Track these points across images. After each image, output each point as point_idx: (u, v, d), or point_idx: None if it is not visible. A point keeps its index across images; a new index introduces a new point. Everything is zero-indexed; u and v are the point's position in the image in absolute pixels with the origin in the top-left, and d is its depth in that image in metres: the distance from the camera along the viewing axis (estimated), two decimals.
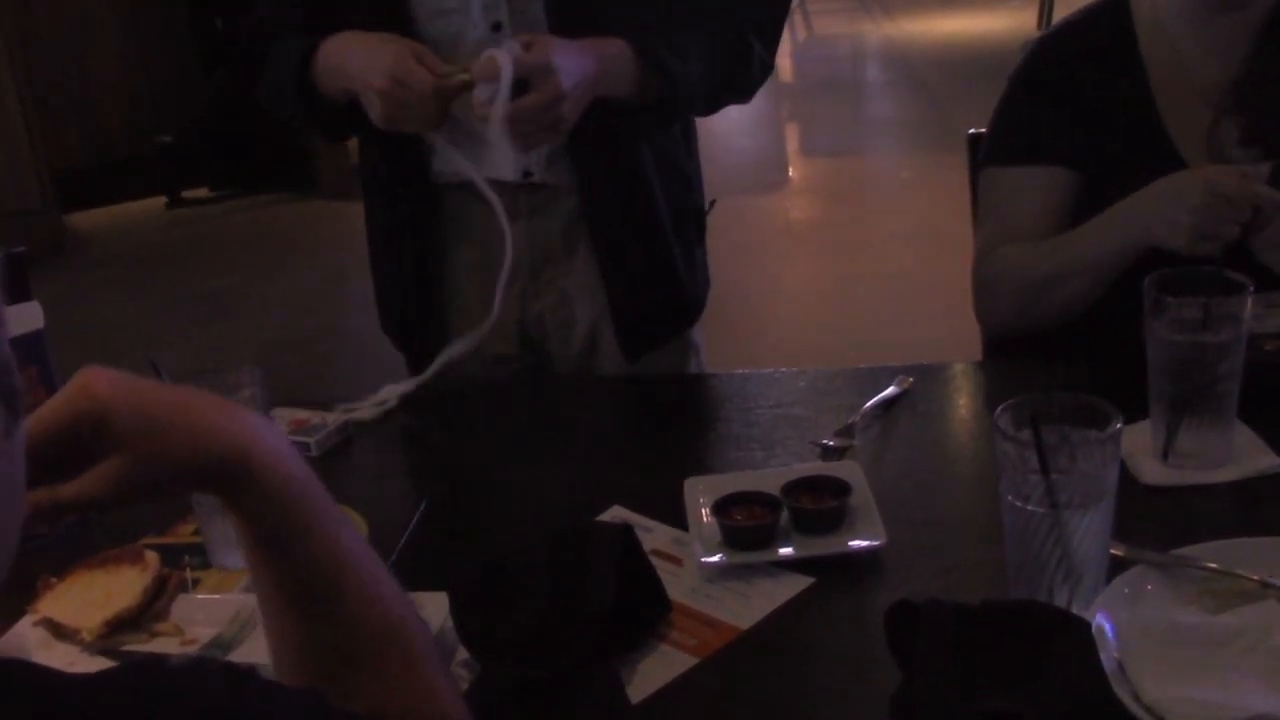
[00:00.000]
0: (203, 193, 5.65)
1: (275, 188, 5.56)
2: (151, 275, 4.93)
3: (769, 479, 1.42)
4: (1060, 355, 1.67)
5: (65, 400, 0.85)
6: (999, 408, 1.18)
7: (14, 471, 0.74)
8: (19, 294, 1.70)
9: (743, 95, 1.79)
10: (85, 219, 5.37)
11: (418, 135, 1.69)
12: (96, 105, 5.45)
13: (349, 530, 0.92)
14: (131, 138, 5.47)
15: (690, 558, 1.35)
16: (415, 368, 1.87)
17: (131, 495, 0.86)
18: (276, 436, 0.90)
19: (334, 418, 1.69)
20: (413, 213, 1.77)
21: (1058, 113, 1.75)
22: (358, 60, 1.61)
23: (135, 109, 5.49)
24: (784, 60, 7.64)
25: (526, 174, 1.75)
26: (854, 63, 7.73)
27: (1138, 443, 1.43)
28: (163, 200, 5.53)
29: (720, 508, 1.37)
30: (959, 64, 6.56)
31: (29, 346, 1.45)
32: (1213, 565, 1.20)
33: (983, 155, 1.84)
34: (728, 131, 5.96)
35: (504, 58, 1.52)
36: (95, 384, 0.86)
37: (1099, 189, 1.74)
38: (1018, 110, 1.81)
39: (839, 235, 4.98)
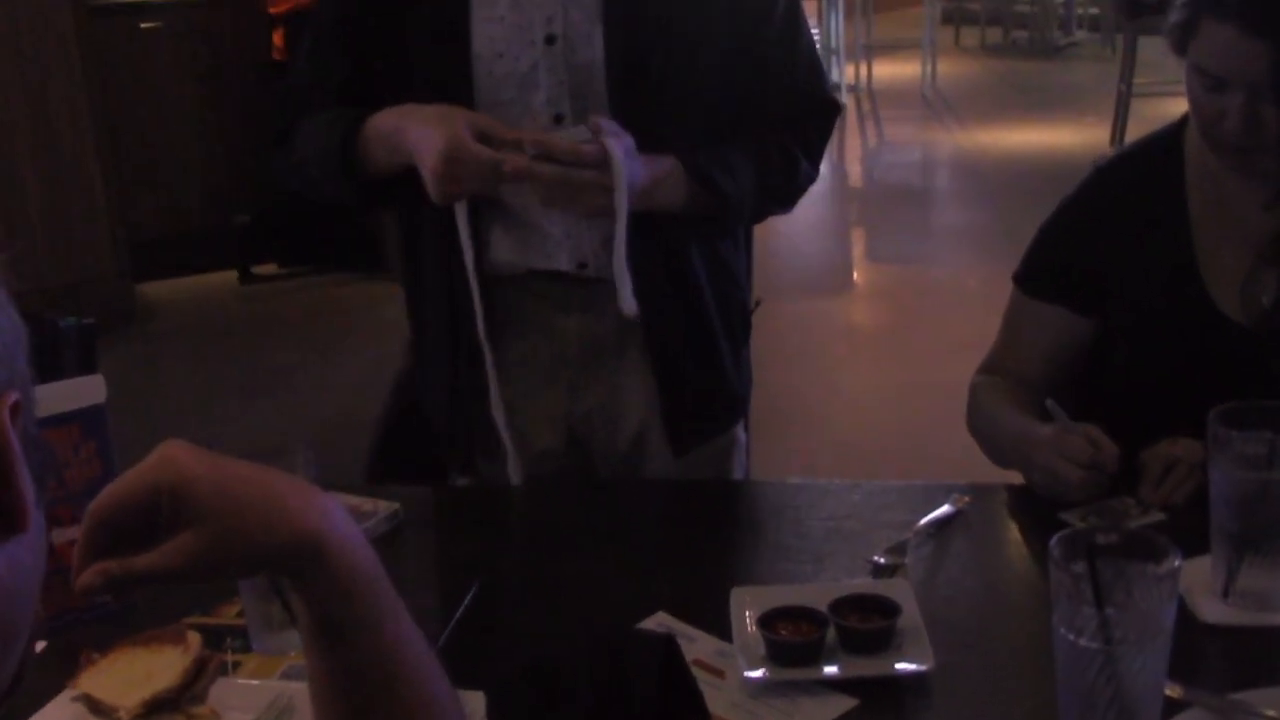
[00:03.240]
0: (272, 269, 5.74)
1: (343, 267, 5.63)
2: (218, 348, 5.00)
3: (817, 594, 1.40)
4: (1123, 485, 1.64)
5: (146, 471, 0.86)
6: (1054, 537, 1.16)
7: (38, 540, 0.74)
8: (85, 366, 1.73)
9: (787, 206, 1.85)
10: (157, 289, 5.46)
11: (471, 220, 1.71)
12: (174, 181, 5.57)
13: (407, 623, 0.92)
14: (207, 214, 5.57)
15: (733, 670, 1.33)
16: (459, 460, 1.87)
17: (203, 571, 0.87)
18: (348, 523, 0.90)
19: (385, 505, 1.69)
20: (464, 309, 1.77)
21: (1091, 252, 1.77)
22: (414, 135, 1.62)
23: (212, 186, 5.60)
24: (854, 165, 7.68)
25: (581, 265, 1.76)
26: (924, 170, 7.75)
27: (1197, 579, 1.40)
28: (234, 274, 5.62)
29: (766, 621, 1.35)
30: (1029, 177, 6.55)
31: (89, 420, 1.46)
32: (1271, 713, 1.17)
33: (1016, 271, 1.86)
34: (794, 233, 5.98)
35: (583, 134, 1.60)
36: (177, 457, 0.86)
37: (1125, 328, 1.75)
38: (1054, 242, 1.83)
39: (901, 343, 4.96)
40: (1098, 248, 1.77)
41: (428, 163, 1.59)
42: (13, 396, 0.71)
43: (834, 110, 1.85)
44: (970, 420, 1.84)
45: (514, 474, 1.81)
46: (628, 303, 1.67)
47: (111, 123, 5.09)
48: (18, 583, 0.73)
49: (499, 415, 1.78)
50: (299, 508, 0.87)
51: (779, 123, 1.78)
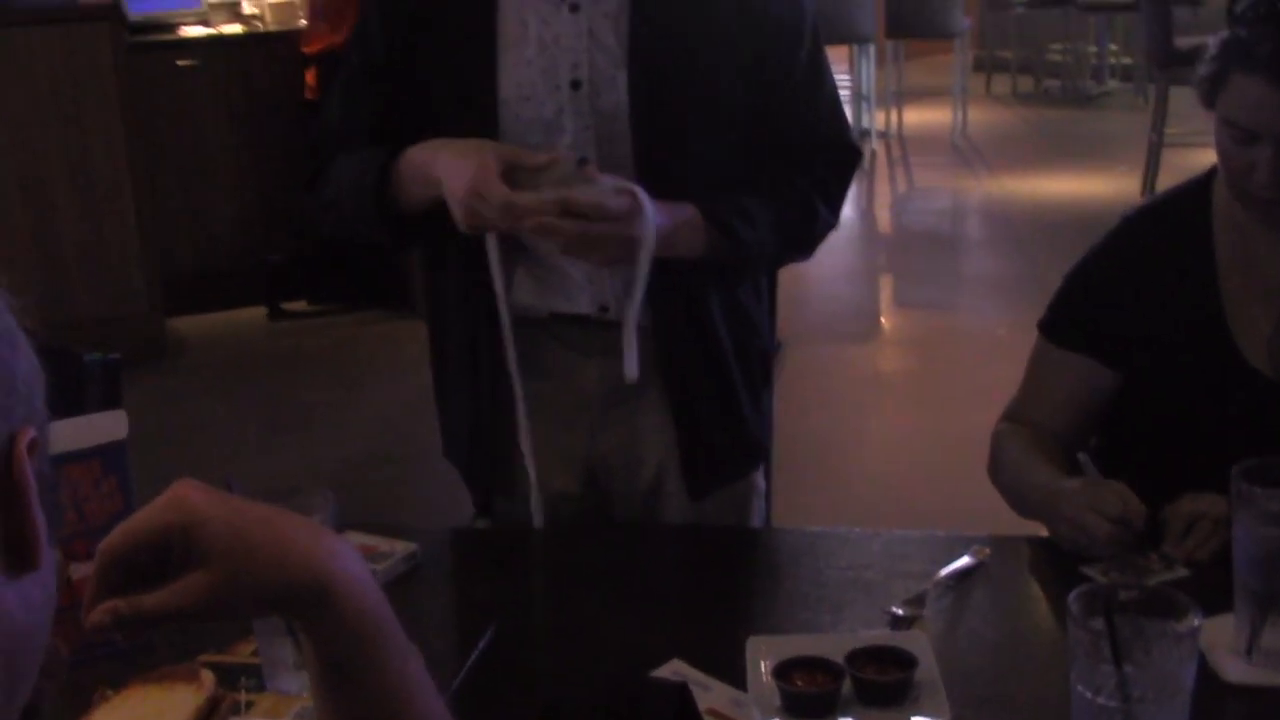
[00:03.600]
0: (303, 306, 5.76)
1: (373, 305, 5.65)
2: (245, 384, 5.01)
3: (833, 644, 1.39)
4: (1147, 540, 1.63)
5: (158, 510, 0.87)
6: (1072, 593, 1.15)
7: (50, 578, 0.75)
8: (109, 401, 1.74)
9: (805, 253, 1.85)
10: (187, 324, 5.48)
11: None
12: (208, 217, 5.61)
13: (416, 665, 0.92)
14: (239, 249, 5.60)
15: None
16: (479, 498, 1.87)
17: (212, 611, 0.87)
18: (358, 564, 0.90)
19: (402, 546, 1.69)
20: (487, 346, 1.77)
21: (1117, 302, 1.76)
22: (444, 165, 1.63)
23: (245, 222, 5.63)
24: (883, 211, 7.68)
25: (603, 308, 1.76)
26: (953, 218, 7.73)
27: (1220, 637, 1.38)
28: (263, 311, 5.65)
29: (781, 671, 1.34)
30: (1059, 225, 6.53)
31: (111, 456, 1.47)
32: None
33: (1041, 318, 1.84)
34: (821, 278, 5.97)
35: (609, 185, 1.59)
36: (189, 497, 0.87)
37: (1151, 379, 1.73)
38: (1080, 291, 1.81)
39: (927, 390, 4.94)
40: (1124, 298, 1.76)
41: (455, 193, 1.60)
42: (30, 433, 0.72)
43: (855, 158, 1.86)
44: (993, 469, 1.83)
45: (536, 514, 1.81)
46: (630, 368, 1.68)
47: (147, 158, 5.14)
48: (30, 619, 0.73)
49: (528, 450, 1.78)
50: (309, 549, 0.87)
51: (799, 169, 1.78)
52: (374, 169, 1.70)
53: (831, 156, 1.83)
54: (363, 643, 0.88)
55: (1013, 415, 1.86)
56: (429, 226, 1.68)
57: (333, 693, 0.89)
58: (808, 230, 1.80)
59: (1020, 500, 1.76)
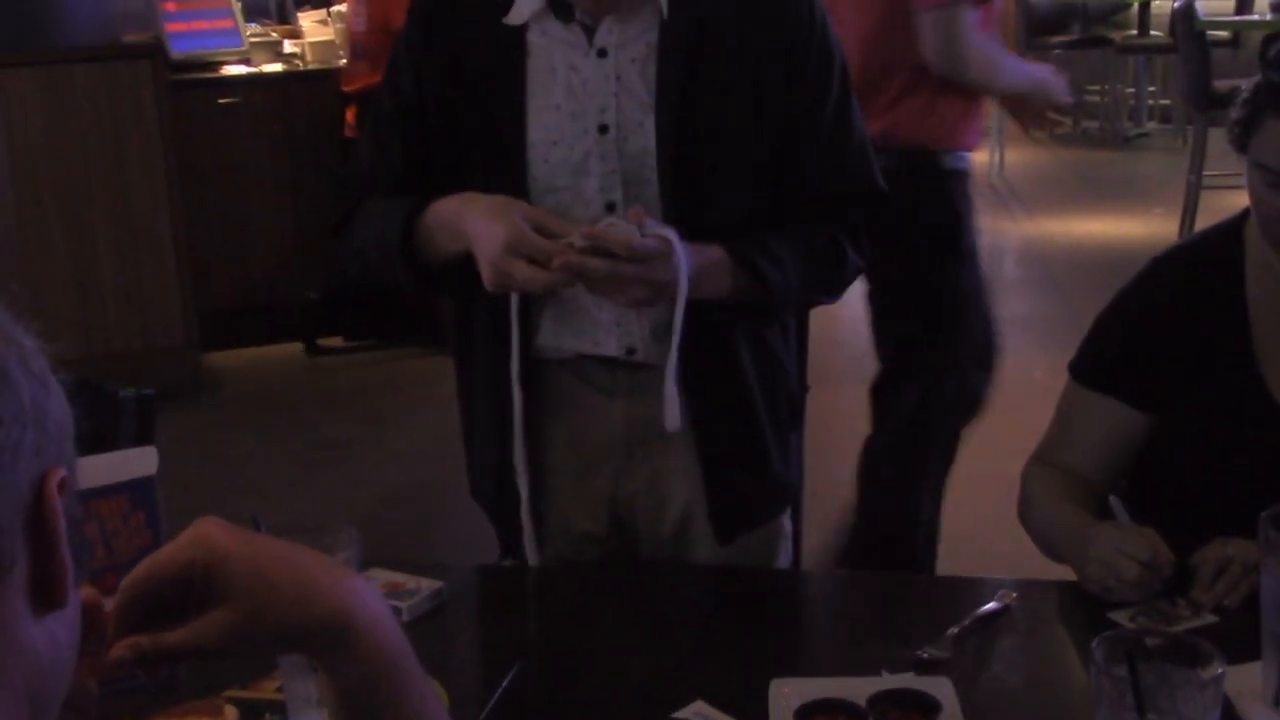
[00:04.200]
0: (339, 342, 5.80)
1: (408, 342, 5.68)
2: (280, 419, 5.04)
3: (857, 687, 1.38)
4: (1175, 586, 1.61)
5: (180, 547, 0.88)
6: (1096, 639, 1.14)
7: (74, 617, 0.76)
8: (142, 437, 1.75)
9: (833, 295, 1.84)
10: (224, 358, 5.53)
11: (522, 307, 1.73)
12: (246, 253, 5.65)
13: (434, 704, 0.92)
14: (276, 285, 5.64)
15: None
16: (506, 539, 1.87)
17: (234, 649, 0.88)
18: (378, 602, 0.91)
19: (428, 583, 1.70)
20: (513, 387, 1.77)
21: (1147, 345, 1.75)
22: (474, 224, 1.63)
23: (283, 258, 5.67)
24: None
25: (630, 350, 1.77)
26: (990, 259, 7.67)
27: (1247, 684, 1.37)
28: (299, 346, 5.68)
29: (804, 714, 1.34)
30: (1096, 267, 6.49)
31: (140, 492, 1.48)
32: None
33: (1072, 360, 1.84)
34: (853, 318, 5.94)
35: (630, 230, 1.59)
36: (212, 534, 0.88)
37: (1182, 422, 1.72)
38: (1110, 333, 1.81)
39: (963, 433, 4.91)
40: (1154, 341, 1.76)
41: (488, 253, 1.60)
42: (60, 473, 0.74)
43: (883, 201, 1.86)
44: (1022, 510, 1.82)
45: (531, 556, 1.82)
46: (671, 418, 1.68)
47: (187, 195, 5.20)
48: (56, 656, 0.75)
49: (525, 512, 1.79)
50: (329, 587, 0.88)
51: (827, 212, 1.78)
52: (399, 219, 1.71)
53: (860, 200, 1.83)
54: (381, 681, 0.89)
55: (1042, 457, 1.85)
56: (455, 274, 1.69)
57: None
58: (836, 273, 1.80)
59: (1049, 542, 1.75)
